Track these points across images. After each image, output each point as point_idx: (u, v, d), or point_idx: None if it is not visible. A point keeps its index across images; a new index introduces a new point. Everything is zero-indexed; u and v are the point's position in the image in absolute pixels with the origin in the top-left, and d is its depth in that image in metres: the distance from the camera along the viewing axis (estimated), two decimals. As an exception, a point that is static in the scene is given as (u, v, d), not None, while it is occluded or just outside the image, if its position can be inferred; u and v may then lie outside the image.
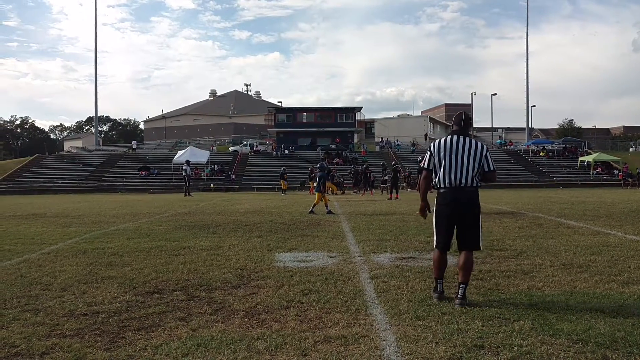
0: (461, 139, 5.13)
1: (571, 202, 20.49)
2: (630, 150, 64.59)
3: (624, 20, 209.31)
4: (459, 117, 5.30)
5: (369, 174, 34.63)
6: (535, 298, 5.19)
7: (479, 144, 5.17)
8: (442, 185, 5.13)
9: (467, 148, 5.08)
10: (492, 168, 5.17)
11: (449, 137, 5.19)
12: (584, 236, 9.79)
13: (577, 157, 53.14)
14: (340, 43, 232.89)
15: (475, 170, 5.08)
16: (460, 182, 5.04)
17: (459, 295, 4.97)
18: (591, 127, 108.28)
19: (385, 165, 37.43)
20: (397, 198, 24.87)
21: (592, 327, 4.23)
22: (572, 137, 68.52)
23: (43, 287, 6.02)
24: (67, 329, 4.42)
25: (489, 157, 5.17)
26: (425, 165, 5.27)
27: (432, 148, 5.25)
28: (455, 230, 5.19)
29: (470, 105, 69.00)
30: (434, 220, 5.28)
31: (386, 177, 34.30)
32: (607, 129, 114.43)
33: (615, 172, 49.00)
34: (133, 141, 71.48)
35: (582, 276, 6.23)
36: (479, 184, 5.13)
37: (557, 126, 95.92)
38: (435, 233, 5.28)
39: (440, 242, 5.23)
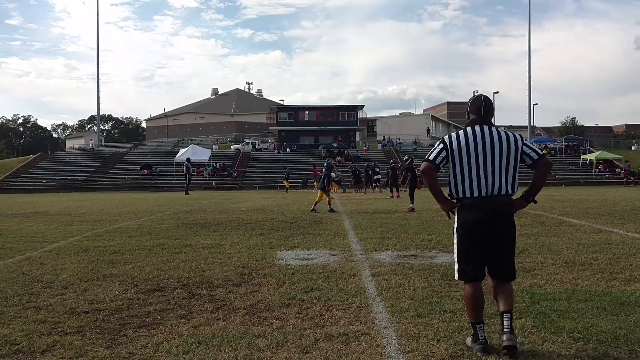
0: (486, 130, 3.86)
1: (573, 200, 20.44)
2: (633, 148, 64.40)
3: (627, 18, 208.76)
4: (477, 103, 3.96)
5: (370, 172, 34.62)
6: (537, 296, 5.18)
7: (511, 135, 3.89)
8: (466, 195, 3.84)
9: (496, 142, 3.82)
10: (540, 153, 3.91)
11: (469, 129, 3.92)
12: (586, 234, 9.78)
13: (580, 156, 53.03)
14: (343, 41, 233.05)
15: (511, 171, 3.84)
16: (492, 189, 3.79)
17: (505, 328, 3.68)
18: (593, 125, 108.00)
19: (373, 166, 36.60)
20: (398, 196, 24.87)
21: (594, 325, 4.22)
22: (574, 135, 68.38)
23: (44, 284, 6.03)
24: (68, 326, 4.43)
25: (529, 146, 3.91)
26: (432, 157, 3.91)
27: (447, 141, 3.94)
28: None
29: (472, 104, 68.73)
30: (455, 242, 3.97)
31: (379, 176, 34.40)
32: (610, 127, 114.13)
33: (618, 170, 48.89)
34: (90, 140, 70.61)
35: (584, 274, 6.21)
36: (515, 191, 3.90)
37: (560, 124, 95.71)
38: (456, 260, 3.95)
39: (468, 272, 3.88)
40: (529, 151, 3.88)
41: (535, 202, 4.02)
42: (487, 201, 3.79)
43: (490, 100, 4.00)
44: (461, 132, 3.95)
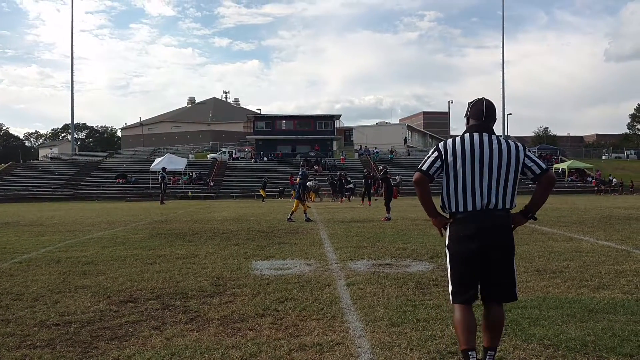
0: (485, 138, 3.49)
1: (545, 209, 20.77)
2: (603, 157, 65.92)
3: (597, 31, 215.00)
4: (478, 107, 3.58)
5: (343, 180, 34.81)
6: (508, 304, 5.23)
7: (512, 144, 3.53)
8: (458, 210, 3.49)
9: (495, 152, 3.45)
10: (544, 167, 3.54)
11: (466, 135, 3.55)
12: (558, 242, 9.95)
13: (552, 165, 54.01)
14: (321, 51, 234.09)
15: (511, 184, 3.49)
16: (488, 204, 3.44)
17: None
18: (565, 135, 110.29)
19: (345, 176, 36.95)
20: (369, 205, 25.09)
21: (564, 332, 4.30)
22: (547, 144, 69.72)
23: (14, 297, 5.91)
24: (38, 339, 4.35)
25: (532, 157, 3.55)
26: (425, 167, 3.53)
27: (441, 149, 3.55)
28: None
29: (447, 114, 69.69)
30: (447, 261, 3.60)
31: (350, 185, 34.75)
32: (581, 136, 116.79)
33: (589, 179, 49.97)
34: (50, 150, 69.79)
35: (555, 282, 6.32)
36: (513, 205, 3.56)
37: (533, 134, 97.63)
38: (450, 281, 3.56)
39: (461, 294, 3.48)
40: (531, 164, 3.51)
41: (536, 219, 3.72)
42: (480, 216, 3.43)
43: (493, 104, 3.62)
44: (457, 139, 3.55)
